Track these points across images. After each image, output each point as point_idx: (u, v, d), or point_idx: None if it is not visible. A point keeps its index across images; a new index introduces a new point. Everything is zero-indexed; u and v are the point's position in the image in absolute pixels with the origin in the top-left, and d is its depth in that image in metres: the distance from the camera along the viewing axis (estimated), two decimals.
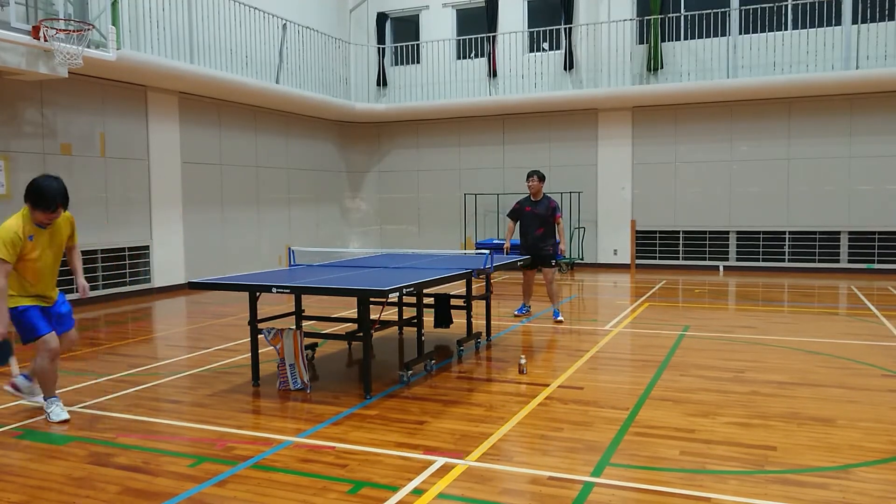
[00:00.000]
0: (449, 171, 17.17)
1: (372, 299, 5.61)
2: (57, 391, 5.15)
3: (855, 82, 13.52)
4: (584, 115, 15.84)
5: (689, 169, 15.26)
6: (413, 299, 6.58)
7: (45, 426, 4.92)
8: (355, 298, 5.56)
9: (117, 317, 9.89)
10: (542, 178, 8.96)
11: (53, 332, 4.96)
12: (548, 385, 5.81)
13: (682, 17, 15.03)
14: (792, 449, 4.30)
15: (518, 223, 9.12)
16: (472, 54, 16.90)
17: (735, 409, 5.10)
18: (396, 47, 17.76)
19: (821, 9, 14.03)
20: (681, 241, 15.42)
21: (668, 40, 15.12)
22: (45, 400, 5.11)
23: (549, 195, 9.13)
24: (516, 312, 9.35)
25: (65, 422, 4.98)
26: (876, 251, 14.09)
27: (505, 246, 9.16)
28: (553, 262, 8.93)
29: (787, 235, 14.64)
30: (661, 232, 15.52)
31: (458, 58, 16.99)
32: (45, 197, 4.78)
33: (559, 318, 8.89)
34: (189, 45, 12.68)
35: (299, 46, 15.28)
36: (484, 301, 7.76)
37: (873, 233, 14.08)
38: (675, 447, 4.34)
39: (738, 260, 14.99)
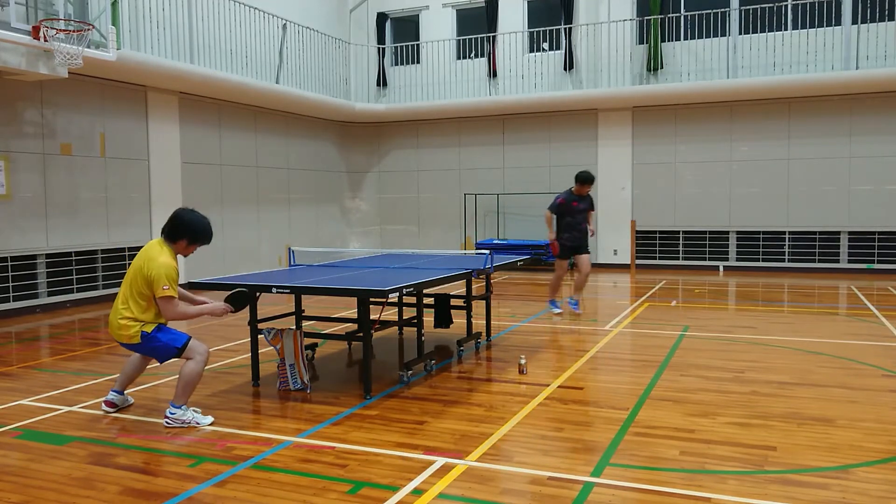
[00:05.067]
0: (449, 171, 17.17)
1: (372, 299, 5.61)
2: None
3: (855, 82, 13.52)
4: (584, 115, 15.83)
5: (688, 169, 15.25)
6: (413, 299, 6.58)
7: (45, 426, 4.92)
8: (355, 298, 5.56)
9: None
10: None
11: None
12: (548, 385, 5.81)
13: (682, 17, 15.03)
14: (792, 449, 4.30)
15: (557, 218, 9.25)
16: (472, 54, 16.89)
17: (735, 409, 5.10)
18: (396, 47, 17.75)
19: (821, 9, 14.03)
20: (681, 242, 15.42)
21: (668, 40, 15.12)
22: (183, 409, 4.86)
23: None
24: (572, 308, 9.39)
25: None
26: (876, 251, 14.09)
27: (552, 242, 9.21)
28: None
29: (786, 235, 14.64)
30: (661, 232, 15.52)
31: (458, 58, 16.98)
32: (208, 235, 5.12)
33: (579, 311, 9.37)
34: (189, 45, 12.68)
35: (299, 46, 15.28)
36: (484, 301, 7.76)
37: (873, 233, 14.08)
38: (675, 447, 4.34)
39: (738, 260, 14.99)
